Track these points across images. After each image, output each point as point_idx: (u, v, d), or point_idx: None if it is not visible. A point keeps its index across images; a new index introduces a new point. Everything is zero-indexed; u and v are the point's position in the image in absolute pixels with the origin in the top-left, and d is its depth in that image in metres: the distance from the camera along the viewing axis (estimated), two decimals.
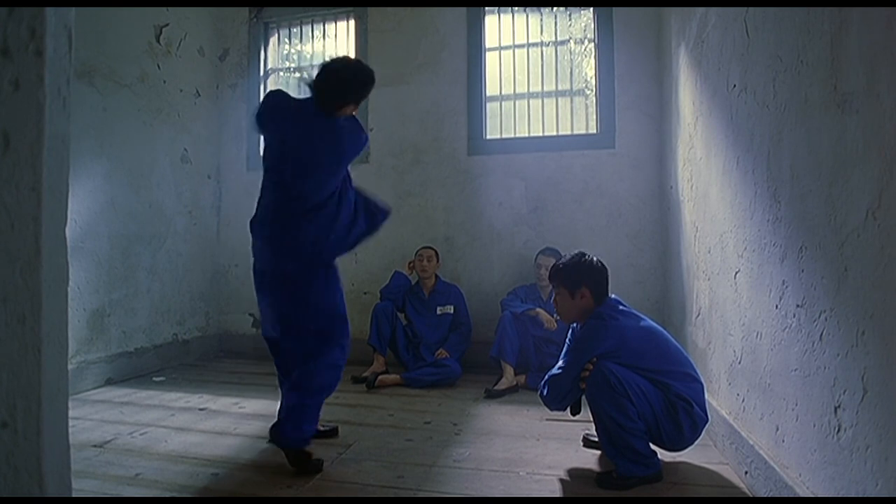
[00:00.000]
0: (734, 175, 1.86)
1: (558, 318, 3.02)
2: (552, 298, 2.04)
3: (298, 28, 4.19)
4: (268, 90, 4.15)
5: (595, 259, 1.90)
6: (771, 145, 1.52)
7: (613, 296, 1.89)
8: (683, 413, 1.70)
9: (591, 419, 1.79)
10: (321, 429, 2.17)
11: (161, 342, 3.56)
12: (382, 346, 3.23)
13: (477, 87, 3.69)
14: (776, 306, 1.50)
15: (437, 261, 3.39)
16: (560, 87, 3.65)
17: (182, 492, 1.68)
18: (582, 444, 2.07)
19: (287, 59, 4.27)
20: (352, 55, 3.94)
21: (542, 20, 3.72)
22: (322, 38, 4.15)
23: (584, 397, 1.82)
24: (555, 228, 3.51)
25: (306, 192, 1.83)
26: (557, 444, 2.09)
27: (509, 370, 2.98)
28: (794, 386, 1.38)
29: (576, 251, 1.95)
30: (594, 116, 3.57)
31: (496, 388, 2.87)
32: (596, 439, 1.96)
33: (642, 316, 1.86)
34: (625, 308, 1.85)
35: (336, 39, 4.09)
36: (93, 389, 2.95)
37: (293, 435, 1.81)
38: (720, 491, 1.68)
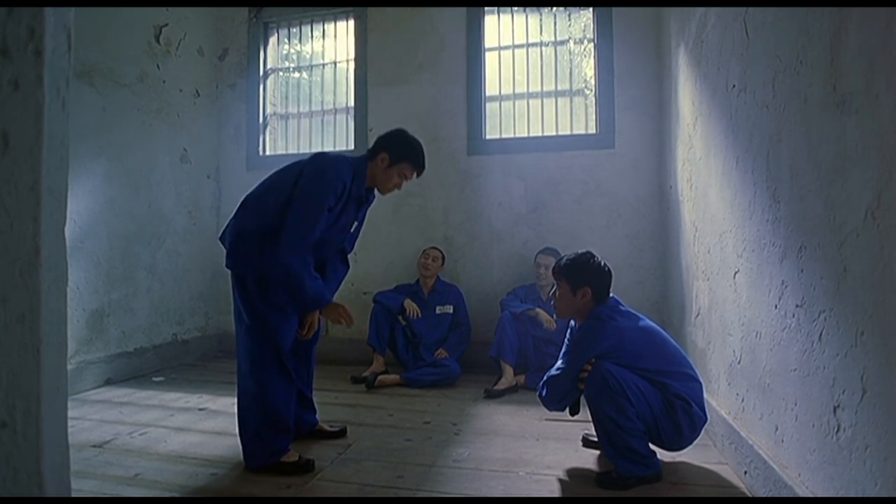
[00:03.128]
0: (733, 175, 1.86)
1: (557, 317, 3.02)
2: (552, 298, 2.03)
3: (298, 28, 4.19)
4: (268, 88, 4.16)
5: (602, 262, 1.89)
6: (770, 145, 1.52)
7: (612, 296, 1.89)
8: (682, 413, 1.70)
9: (591, 419, 1.80)
10: (328, 429, 2.17)
11: (160, 342, 3.56)
12: (382, 346, 3.23)
13: (476, 87, 3.69)
14: (775, 306, 1.50)
15: (442, 263, 3.39)
16: (559, 87, 3.65)
17: (181, 492, 1.68)
18: (581, 444, 2.07)
19: (287, 59, 4.27)
20: (352, 55, 3.96)
21: (541, 20, 3.72)
22: (322, 38, 4.15)
23: (582, 397, 1.82)
24: (554, 229, 3.51)
25: None
26: (557, 444, 2.09)
27: (509, 370, 2.98)
28: (794, 386, 1.38)
29: (584, 250, 1.92)
30: (594, 116, 3.57)
31: (496, 388, 2.87)
32: (595, 439, 1.96)
33: (641, 316, 1.86)
34: (623, 308, 1.85)
35: (336, 39, 4.09)
36: (92, 389, 2.95)
37: (253, 464, 1.83)
38: (720, 491, 1.68)
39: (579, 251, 1.92)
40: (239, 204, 1.89)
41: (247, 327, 1.84)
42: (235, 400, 1.89)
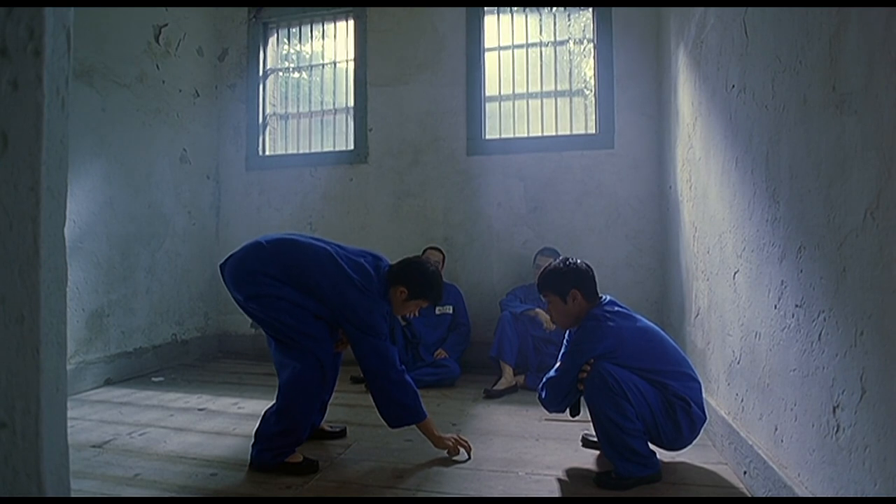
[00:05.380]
0: (733, 175, 1.86)
1: (559, 328, 3.02)
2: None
3: (297, 28, 4.19)
4: (267, 91, 4.16)
5: (578, 260, 1.90)
6: (770, 145, 1.52)
7: (609, 297, 1.88)
8: (682, 413, 1.70)
9: (590, 419, 1.79)
10: (328, 429, 2.18)
11: (160, 342, 3.56)
12: None
13: (476, 87, 3.69)
14: (775, 306, 1.50)
15: (442, 266, 3.39)
16: (559, 88, 3.65)
17: (181, 492, 1.68)
18: (581, 444, 2.07)
19: (286, 59, 4.27)
20: (351, 55, 3.96)
21: (541, 20, 3.72)
22: (321, 39, 4.16)
23: (583, 398, 1.82)
24: (554, 229, 3.51)
25: None
26: (556, 445, 2.09)
27: (508, 370, 2.98)
28: (793, 386, 1.38)
29: (558, 259, 1.94)
30: (593, 117, 3.57)
31: (495, 388, 2.87)
32: (595, 439, 1.96)
33: (638, 316, 1.85)
34: (621, 309, 1.84)
35: (335, 39, 4.09)
36: (92, 390, 2.95)
37: (258, 464, 1.84)
38: (719, 491, 1.68)
39: (552, 263, 1.93)
40: (263, 247, 1.88)
41: (288, 347, 1.85)
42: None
